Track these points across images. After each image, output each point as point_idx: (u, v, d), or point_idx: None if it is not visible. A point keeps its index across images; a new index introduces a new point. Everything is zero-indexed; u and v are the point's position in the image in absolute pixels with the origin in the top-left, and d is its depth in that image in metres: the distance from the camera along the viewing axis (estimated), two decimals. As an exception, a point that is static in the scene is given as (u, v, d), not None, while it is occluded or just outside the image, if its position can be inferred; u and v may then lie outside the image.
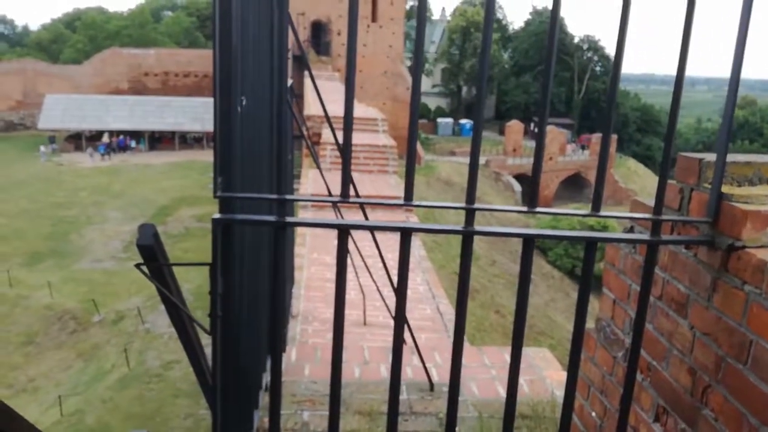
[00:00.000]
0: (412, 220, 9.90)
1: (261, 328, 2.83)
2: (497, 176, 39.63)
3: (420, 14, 1.58)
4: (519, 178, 39.72)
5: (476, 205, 1.69)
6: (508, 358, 2.85)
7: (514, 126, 44.06)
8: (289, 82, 4.58)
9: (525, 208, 1.69)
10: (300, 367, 3.35)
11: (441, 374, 3.33)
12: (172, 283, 1.88)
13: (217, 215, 1.62)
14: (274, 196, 1.59)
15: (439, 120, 52.84)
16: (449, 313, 6.31)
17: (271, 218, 1.60)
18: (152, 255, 1.67)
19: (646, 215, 1.68)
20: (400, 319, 1.72)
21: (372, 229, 1.84)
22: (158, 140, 40.83)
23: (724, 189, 1.64)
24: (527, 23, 63.43)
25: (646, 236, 1.67)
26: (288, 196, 1.60)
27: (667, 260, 1.86)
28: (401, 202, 1.65)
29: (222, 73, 1.55)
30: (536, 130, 1.68)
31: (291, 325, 5.05)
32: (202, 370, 2.18)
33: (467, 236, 1.69)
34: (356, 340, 4.70)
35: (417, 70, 1.57)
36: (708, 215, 1.65)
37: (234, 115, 1.68)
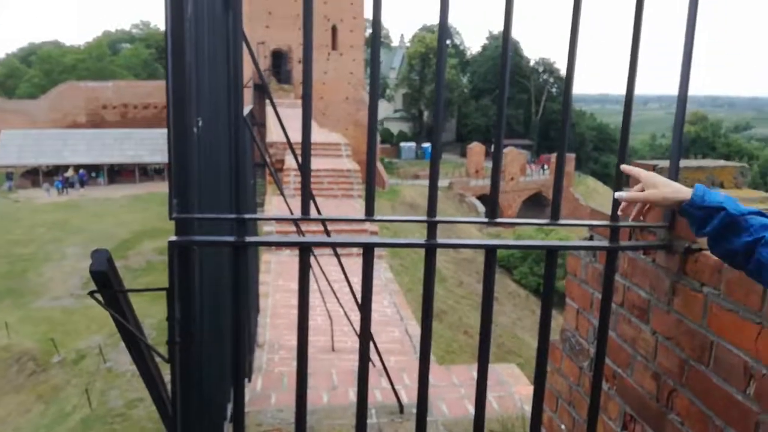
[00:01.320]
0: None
1: (224, 358, 2.76)
2: (461, 198, 39.98)
3: (375, 41, 1.58)
4: (482, 199, 40.14)
5: (438, 218, 1.69)
6: (476, 375, 2.84)
7: (476, 148, 44.66)
8: (248, 108, 4.56)
9: (485, 219, 1.70)
10: (266, 396, 3.27)
11: (411, 396, 3.29)
12: (128, 311, 1.81)
13: (173, 237, 1.58)
14: (233, 216, 1.56)
15: (402, 144, 53.31)
16: (417, 335, 6.27)
17: (230, 238, 1.57)
18: (106, 281, 1.61)
19: (604, 222, 1.70)
20: (365, 336, 1.70)
21: (333, 245, 1.81)
22: (118, 173, 40.11)
23: (678, 194, 1.68)
24: (484, 48, 64.83)
25: (605, 243, 1.69)
26: (247, 215, 1.57)
27: (626, 267, 1.88)
28: (362, 217, 1.64)
29: (175, 93, 1.52)
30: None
31: (257, 354, 4.95)
32: (162, 401, 2.10)
33: (430, 249, 1.68)
34: (324, 366, 4.62)
35: (374, 71, 1.57)
36: (664, 220, 1.67)
37: (189, 134, 1.64)
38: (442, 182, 38.54)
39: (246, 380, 3.53)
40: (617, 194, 1.59)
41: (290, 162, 11.99)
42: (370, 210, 1.62)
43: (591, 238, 2.07)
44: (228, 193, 2.70)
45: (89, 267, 1.59)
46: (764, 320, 1.38)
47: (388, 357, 5.02)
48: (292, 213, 3.98)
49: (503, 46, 1.61)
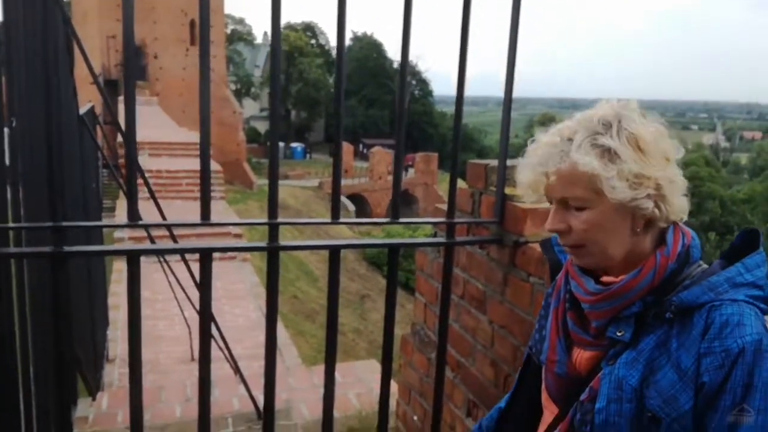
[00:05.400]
0: (230, 242, 9.62)
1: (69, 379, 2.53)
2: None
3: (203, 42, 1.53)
4: (352, 197, 40.52)
5: (279, 220, 1.66)
6: (338, 375, 2.85)
7: (344, 148, 44.97)
8: (89, 105, 4.23)
9: (328, 221, 1.70)
10: (112, 415, 3.06)
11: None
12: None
13: (-22, 251, 1.42)
14: (49, 224, 1.42)
15: (270, 144, 52.46)
16: (284, 337, 6.19)
17: (47, 249, 1.43)
18: None
19: (441, 219, 1.76)
20: (205, 352, 1.63)
21: (168, 252, 1.73)
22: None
23: (507, 191, 1.78)
24: (349, 49, 65.52)
25: (442, 239, 1.76)
26: (66, 223, 1.45)
27: (466, 261, 1.97)
28: (198, 221, 1.57)
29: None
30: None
31: (107, 370, 4.61)
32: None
33: (272, 252, 1.65)
34: (181, 378, 4.40)
35: (204, 69, 1.51)
36: (495, 216, 1.77)
37: (-4, 136, 1.48)
38: (312, 182, 38.45)
39: (90, 399, 3.28)
40: None
41: (146, 163, 11.33)
42: (205, 214, 1.55)
43: (435, 235, 2.14)
44: (78, 198, 2.49)
45: None
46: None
47: (251, 363, 4.89)
48: (141, 218, 3.75)
49: (337, 54, 1.62)
